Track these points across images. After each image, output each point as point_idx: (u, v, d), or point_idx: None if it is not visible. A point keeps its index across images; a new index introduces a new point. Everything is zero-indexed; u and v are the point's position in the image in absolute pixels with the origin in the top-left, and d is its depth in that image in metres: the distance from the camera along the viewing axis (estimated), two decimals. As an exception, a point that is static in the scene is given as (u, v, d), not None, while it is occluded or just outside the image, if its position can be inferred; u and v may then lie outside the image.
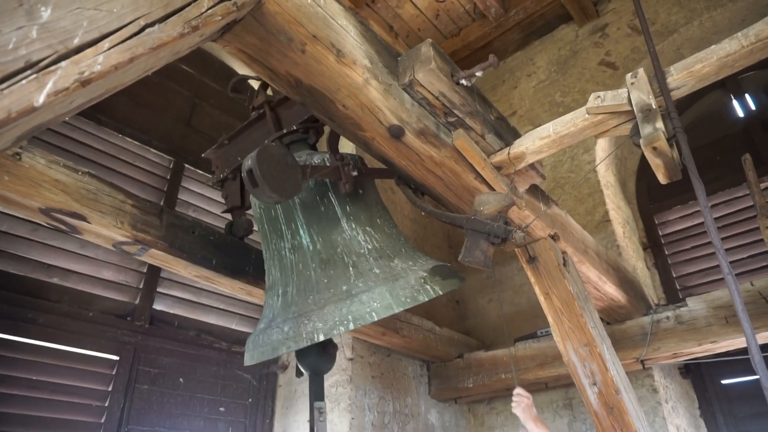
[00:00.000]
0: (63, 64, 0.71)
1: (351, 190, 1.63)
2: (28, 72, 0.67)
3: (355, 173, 1.66)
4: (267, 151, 1.34)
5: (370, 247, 1.52)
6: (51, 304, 2.35)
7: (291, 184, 1.36)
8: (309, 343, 1.35)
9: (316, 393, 1.56)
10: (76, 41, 0.74)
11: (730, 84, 3.76)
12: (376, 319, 1.35)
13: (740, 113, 3.74)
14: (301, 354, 1.57)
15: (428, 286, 1.35)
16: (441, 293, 1.46)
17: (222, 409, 2.78)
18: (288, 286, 1.55)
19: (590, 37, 4.17)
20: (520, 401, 2.24)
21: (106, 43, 0.78)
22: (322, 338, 1.33)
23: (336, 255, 1.51)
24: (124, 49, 0.81)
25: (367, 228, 1.56)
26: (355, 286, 1.42)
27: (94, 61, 0.75)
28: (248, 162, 1.31)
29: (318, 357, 1.59)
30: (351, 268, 1.48)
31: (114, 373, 2.42)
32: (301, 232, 1.58)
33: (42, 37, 0.70)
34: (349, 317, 1.32)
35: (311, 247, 1.55)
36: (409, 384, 3.23)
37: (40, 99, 0.68)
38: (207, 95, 3.45)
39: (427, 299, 1.40)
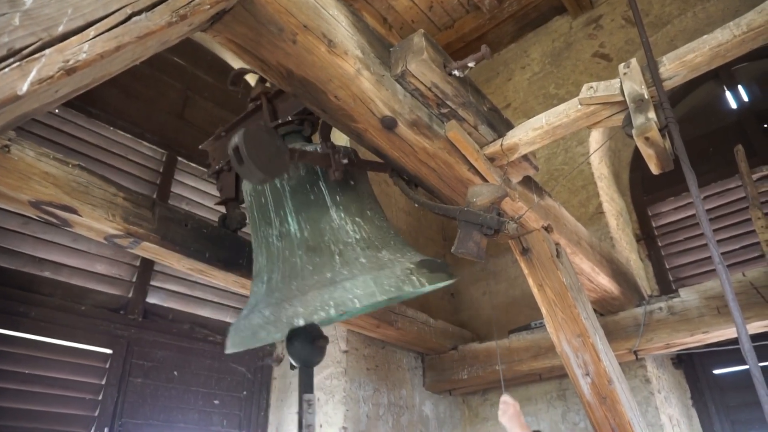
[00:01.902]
0: (47, 51, 0.70)
1: (340, 178, 1.63)
2: (11, 60, 0.66)
3: (345, 161, 1.66)
4: (255, 130, 1.35)
5: (358, 237, 1.51)
6: (43, 297, 2.33)
7: (278, 164, 1.36)
8: (289, 328, 1.35)
9: (306, 385, 1.55)
10: (61, 29, 0.73)
11: (724, 76, 3.77)
12: (357, 306, 1.34)
13: (733, 105, 3.75)
14: (290, 346, 1.56)
15: (414, 278, 1.34)
16: (428, 286, 1.44)
17: (216, 401, 2.79)
18: (273, 272, 1.54)
19: (584, 28, 4.16)
20: (507, 409, 2.16)
21: (91, 31, 0.77)
22: (302, 323, 1.33)
23: (323, 243, 1.51)
24: (111, 37, 0.80)
25: (357, 218, 1.55)
26: (340, 273, 1.41)
27: (80, 50, 0.74)
28: (235, 139, 1.31)
29: (307, 349, 1.57)
30: (337, 257, 1.47)
31: (107, 366, 2.42)
32: (290, 219, 1.57)
33: (25, 24, 0.69)
34: (331, 303, 1.32)
35: (299, 235, 1.55)
36: (403, 376, 3.24)
37: (24, 87, 0.67)
38: (200, 88, 3.43)
39: (412, 290, 1.39)
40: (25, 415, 2.13)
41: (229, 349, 1.57)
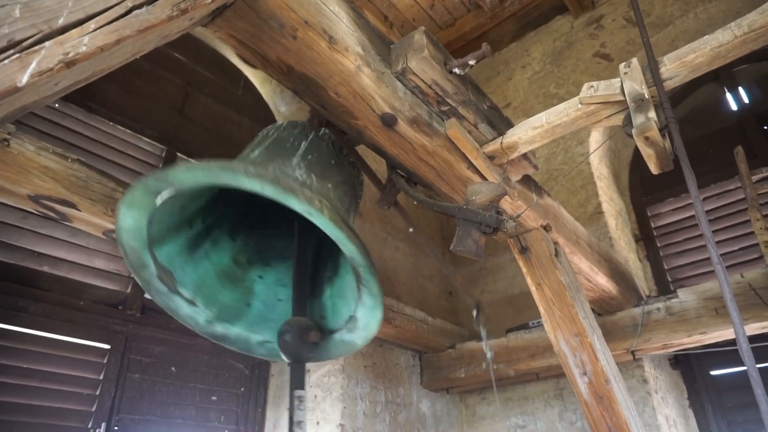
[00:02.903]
0: (47, 44, 0.70)
1: (315, 127, 1.64)
2: (11, 51, 0.66)
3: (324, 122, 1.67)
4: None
5: (300, 179, 1.47)
6: (41, 292, 2.33)
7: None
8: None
9: (296, 381, 1.53)
10: (61, 21, 0.73)
11: (724, 77, 3.77)
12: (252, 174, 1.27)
13: (734, 107, 3.75)
14: (280, 340, 1.53)
15: (317, 203, 1.25)
16: (320, 217, 1.27)
17: (214, 398, 2.79)
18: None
19: (585, 28, 4.16)
20: None
21: (92, 24, 0.77)
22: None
23: (267, 165, 1.49)
24: (111, 30, 0.80)
25: (312, 174, 1.50)
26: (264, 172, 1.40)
27: (80, 42, 0.74)
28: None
29: (299, 344, 1.55)
30: (270, 167, 1.47)
31: (105, 361, 2.42)
32: (256, 152, 1.57)
33: (25, 16, 0.69)
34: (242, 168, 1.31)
35: (252, 158, 1.54)
36: (401, 374, 3.24)
37: (24, 79, 0.67)
38: (200, 84, 3.43)
39: (297, 204, 1.25)
40: (23, 410, 2.13)
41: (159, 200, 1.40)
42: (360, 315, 1.61)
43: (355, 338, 1.68)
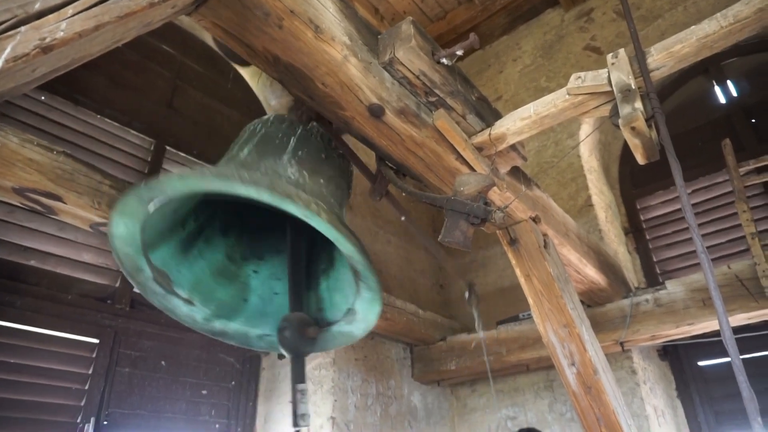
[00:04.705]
0: (22, 29, 0.69)
1: (303, 120, 1.64)
2: (-15, 36, 0.65)
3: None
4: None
5: (292, 178, 1.47)
6: (29, 287, 2.31)
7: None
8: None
9: (298, 375, 1.56)
10: (37, 6, 0.72)
11: (713, 71, 3.79)
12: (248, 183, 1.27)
13: (722, 100, 3.77)
14: (280, 335, 1.56)
15: (314, 206, 1.26)
16: (320, 219, 1.29)
17: (204, 392, 2.78)
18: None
19: (576, 21, 4.16)
20: None
21: (69, 10, 0.76)
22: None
23: (259, 165, 1.48)
24: (89, 16, 0.79)
25: (304, 172, 1.50)
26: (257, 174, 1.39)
27: (57, 28, 0.73)
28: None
29: (298, 338, 1.58)
30: (261, 170, 1.46)
31: (94, 356, 2.41)
32: (245, 150, 1.56)
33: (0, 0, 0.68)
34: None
35: (242, 159, 1.53)
36: (392, 366, 3.25)
37: (-2, 64, 0.66)
38: (189, 77, 3.40)
39: (295, 208, 1.27)
40: (11, 405, 2.12)
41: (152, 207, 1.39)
42: (359, 308, 1.62)
43: (353, 330, 1.69)
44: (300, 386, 1.53)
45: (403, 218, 1.90)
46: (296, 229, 1.72)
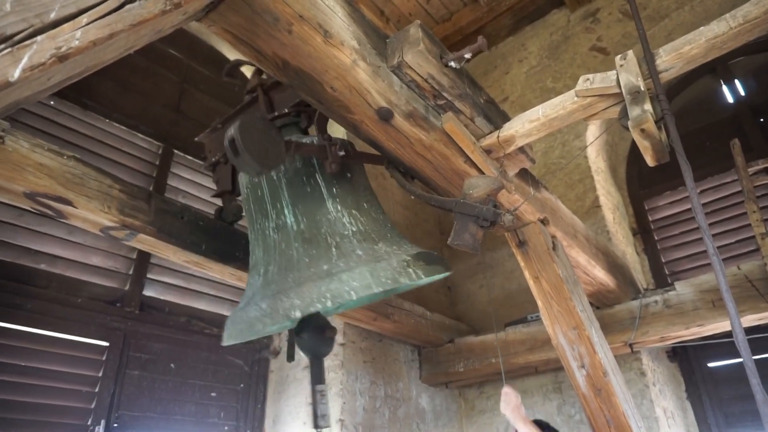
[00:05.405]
0: (39, 38, 0.69)
1: (337, 170, 1.63)
2: (2, 46, 0.66)
3: (342, 153, 1.65)
4: (251, 121, 1.35)
5: (354, 229, 1.51)
6: (39, 290, 2.33)
7: (274, 155, 1.37)
8: (285, 320, 1.35)
9: (317, 376, 1.57)
10: (53, 15, 0.72)
11: (721, 70, 3.77)
12: (354, 298, 1.34)
13: (730, 99, 3.75)
14: (298, 338, 1.57)
15: (411, 270, 1.35)
16: (424, 279, 1.45)
17: (213, 394, 2.79)
18: (270, 265, 1.54)
19: (582, 22, 4.15)
20: (509, 400, 2.19)
21: (84, 18, 0.76)
22: (298, 315, 1.33)
23: (319, 235, 1.51)
24: (103, 24, 0.80)
25: (353, 211, 1.55)
26: (336, 265, 1.41)
27: (72, 37, 0.74)
28: (231, 131, 1.32)
29: (316, 340, 1.59)
30: (333, 249, 1.48)
31: (104, 358, 2.42)
32: (286, 211, 1.57)
33: (16, 10, 0.68)
34: (327, 294, 1.32)
35: (295, 227, 1.55)
36: (400, 369, 3.25)
37: (15, 73, 0.66)
38: (196, 80, 3.42)
39: (409, 282, 1.39)
40: (22, 407, 2.13)
41: (226, 341, 1.57)
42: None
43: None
44: (319, 387, 1.54)
45: (413, 197, 1.89)
46: None
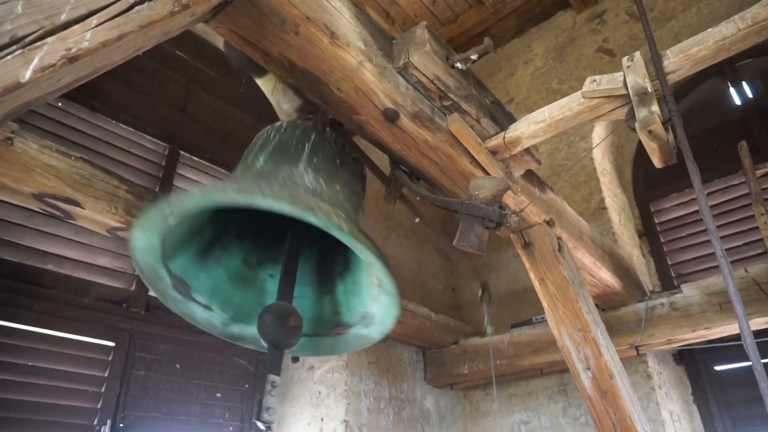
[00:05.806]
0: (49, 39, 0.70)
1: (320, 130, 1.64)
2: (13, 47, 0.66)
3: (330, 116, 1.65)
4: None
5: (310, 186, 1.48)
6: (46, 290, 2.34)
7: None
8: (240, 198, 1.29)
9: (273, 366, 1.44)
10: (63, 17, 0.73)
11: (728, 72, 3.75)
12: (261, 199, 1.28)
13: (737, 101, 3.73)
14: (259, 321, 1.46)
15: (335, 217, 1.26)
16: (341, 230, 1.28)
17: (218, 394, 2.80)
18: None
19: (588, 23, 4.14)
20: None
21: (93, 20, 0.77)
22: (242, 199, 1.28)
23: (277, 176, 1.48)
24: (113, 26, 0.80)
25: (321, 179, 1.51)
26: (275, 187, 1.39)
27: (82, 38, 0.74)
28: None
29: (278, 326, 1.47)
30: (278, 181, 1.46)
31: (110, 359, 2.43)
32: (261, 159, 1.57)
33: (27, 12, 0.69)
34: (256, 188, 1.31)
35: (258, 168, 1.54)
36: (404, 370, 3.24)
37: (27, 75, 0.67)
38: (202, 82, 3.43)
39: (316, 220, 1.25)
40: (28, 407, 2.14)
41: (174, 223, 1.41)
42: (376, 311, 1.62)
43: (371, 332, 1.70)
44: (272, 378, 1.39)
45: (417, 220, 1.90)
46: (298, 230, 1.72)
